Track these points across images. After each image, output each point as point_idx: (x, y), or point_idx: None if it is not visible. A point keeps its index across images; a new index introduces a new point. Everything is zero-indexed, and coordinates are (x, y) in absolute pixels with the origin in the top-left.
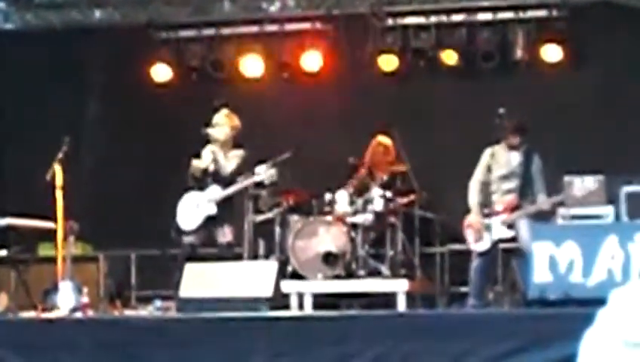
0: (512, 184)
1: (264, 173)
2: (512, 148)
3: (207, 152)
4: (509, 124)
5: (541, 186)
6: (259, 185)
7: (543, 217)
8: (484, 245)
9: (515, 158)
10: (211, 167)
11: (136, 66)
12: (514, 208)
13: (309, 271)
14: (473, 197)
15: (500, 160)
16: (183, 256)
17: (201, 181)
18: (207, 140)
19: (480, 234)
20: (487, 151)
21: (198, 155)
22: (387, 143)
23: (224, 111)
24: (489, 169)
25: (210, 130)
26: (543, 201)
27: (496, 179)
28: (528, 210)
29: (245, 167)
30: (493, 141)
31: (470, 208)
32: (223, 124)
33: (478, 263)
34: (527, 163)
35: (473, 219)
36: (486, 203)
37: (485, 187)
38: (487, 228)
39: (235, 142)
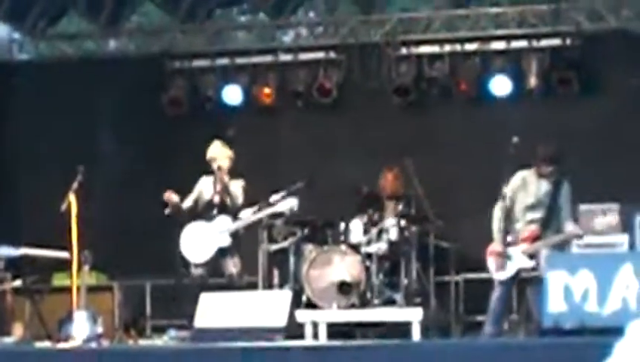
0: (538, 214)
1: (285, 203)
2: (542, 176)
3: (206, 184)
4: (542, 151)
5: (568, 214)
6: (277, 214)
7: (561, 245)
8: (505, 274)
9: (544, 187)
10: (216, 199)
11: (150, 96)
12: (536, 238)
13: (323, 300)
14: (496, 224)
15: (529, 188)
16: (196, 287)
17: (207, 212)
18: (203, 171)
19: (502, 263)
20: (518, 176)
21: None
22: (398, 173)
23: (218, 143)
24: (515, 195)
25: (212, 164)
26: (568, 232)
27: (522, 207)
28: (551, 240)
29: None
30: (505, 169)
31: (493, 235)
32: (221, 155)
33: (499, 292)
34: (555, 192)
35: (495, 247)
36: (509, 230)
37: (510, 214)
38: (509, 257)
39: (233, 172)
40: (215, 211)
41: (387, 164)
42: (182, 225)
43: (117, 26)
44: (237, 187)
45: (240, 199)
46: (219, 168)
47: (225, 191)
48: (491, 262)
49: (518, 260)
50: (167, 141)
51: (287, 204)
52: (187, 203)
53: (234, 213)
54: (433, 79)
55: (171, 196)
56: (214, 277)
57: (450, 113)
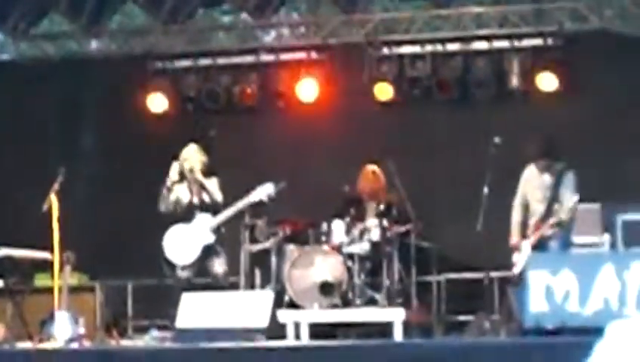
0: (544, 206)
1: (262, 190)
2: (543, 170)
3: (182, 190)
4: (530, 147)
5: (566, 202)
6: (257, 204)
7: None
8: (518, 268)
9: (547, 180)
10: (195, 200)
11: (133, 96)
12: (537, 230)
13: (305, 300)
14: (512, 218)
15: (535, 181)
16: (179, 287)
17: (189, 214)
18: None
19: (517, 256)
20: (526, 170)
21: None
22: (376, 171)
23: (193, 146)
24: (525, 189)
25: (184, 164)
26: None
27: (533, 200)
28: (550, 223)
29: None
30: (487, 169)
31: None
32: (194, 158)
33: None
34: (557, 184)
35: (510, 240)
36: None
37: (528, 208)
38: (520, 250)
39: (206, 172)
40: (197, 212)
41: (367, 164)
42: (165, 226)
43: (99, 26)
44: (213, 184)
45: (219, 196)
46: (190, 170)
47: (202, 189)
48: (514, 257)
49: (525, 253)
50: (150, 141)
51: (263, 191)
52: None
53: (214, 210)
54: (415, 79)
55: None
56: (200, 277)
57: (432, 113)
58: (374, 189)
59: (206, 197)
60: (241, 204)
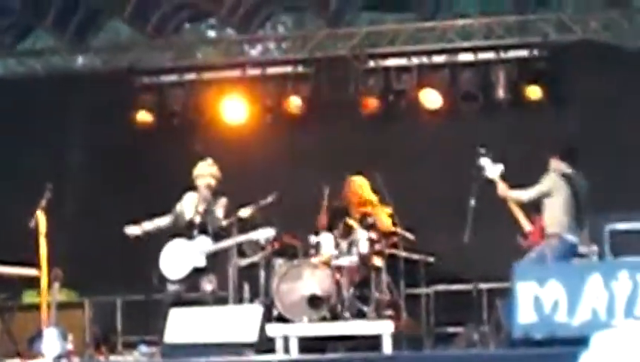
0: None
1: (263, 232)
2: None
3: (189, 202)
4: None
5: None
6: (253, 242)
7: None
8: None
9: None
10: (197, 219)
11: (118, 111)
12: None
13: (294, 314)
14: None
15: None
16: (168, 302)
17: (188, 231)
18: (189, 187)
19: None
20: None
21: (180, 200)
22: (362, 182)
23: (208, 161)
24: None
25: (197, 181)
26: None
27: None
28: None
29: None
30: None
31: None
32: (206, 174)
33: None
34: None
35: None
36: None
37: None
38: None
39: (216, 192)
40: (196, 231)
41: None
42: (153, 242)
43: (84, 41)
44: (219, 207)
45: (222, 220)
46: (206, 186)
47: (207, 212)
48: None
49: None
50: (136, 156)
51: (264, 233)
52: (165, 220)
53: (214, 233)
54: (401, 92)
55: (131, 232)
56: (189, 292)
57: (418, 125)
58: (360, 201)
59: (208, 220)
60: (239, 239)
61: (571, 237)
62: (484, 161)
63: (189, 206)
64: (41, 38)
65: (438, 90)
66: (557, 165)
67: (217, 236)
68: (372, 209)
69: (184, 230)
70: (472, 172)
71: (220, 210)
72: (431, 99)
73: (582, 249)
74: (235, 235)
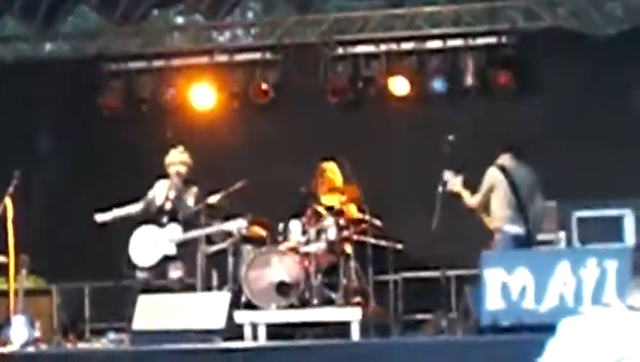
0: None
1: (235, 223)
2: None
3: (160, 189)
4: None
5: None
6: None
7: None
8: None
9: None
10: (167, 206)
11: (87, 98)
12: None
13: (262, 301)
14: None
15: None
16: (136, 289)
17: (158, 218)
18: (160, 175)
19: None
20: None
21: (149, 187)
22: (332, 168)
23: (179, 149)
24: None
25: (168, 169)
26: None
27: None
28: None
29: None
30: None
31: None
32: (177, 162)
33: None
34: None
35: None
36: None
37: None
38: None
39: (187, 180)
40: (166, 218)
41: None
42: (122, 229)
43: (52, 28)
44: (190, 195)
45: (192, 208)
46: (177, 173)
47: (178, 199)
48: None
49: None
50: (105, 143)
51: (236, 224)
52: (136, 207)
53: (184, 221)
54: (370, 78)
55: (101, 219)
56: (157, 279)
57: (386, 112)
58: (330, 187)
59: (179, 207)
60: (210, 230)
61: (513, 228)
62: (447, 175)
63: (160, 193)
64: (8, 25)
65: (407, 77)
66: (502, 159)
67: (187, 224)
68: (341, 195)
69: (154, 217)
70: (440, 158)
71: (190, 199)
72: (399, 86)
73: (547, 236)
74: (203, 222)
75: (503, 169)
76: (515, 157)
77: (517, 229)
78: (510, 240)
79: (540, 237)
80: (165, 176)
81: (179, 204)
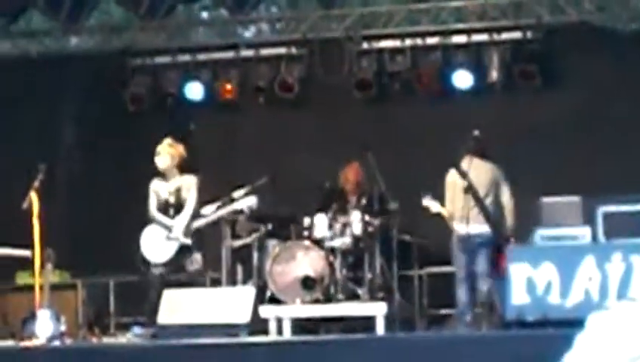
0: None
1: (244, 201)
2: None
3: (158, 185)
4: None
5: None
6: (237, 212)
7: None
8: None
9: None
10: (172, 199)
11: (112, 93)
12: None
13: (287, 295)
14: None
15: None
16: (155, 285)
17: (164, 213)
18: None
19: None
20: None
21: None
22: (358, 164)
23: (167, 141)
24: None
25: (156, 160)
26: None
27: None
28: None
29: (201, 192)
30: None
31: None
32: (164, 153)
33: None
34: None
35: None
36: None
37: None
38: None
39: (182, 169)
40: (172, 211)
41: (349, 159)
42: (145, 223)
43: (78, 23)
44: (190, 183)
45: (192, 197)
46: (161, 163)
47: (179, 191)
48: None
49: None
50: (130, 138)
51: (246, 202)
52: (153, 209)
53: (193, 213)
54: (395, 73)
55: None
56: (175, 273)
57: (411, 107)
58: (357, 183)
59: (182, 196)
60: (221, 212)
61: (460, 229)
62: (425, 202)
63: (160, 188)
64: (34, 19)
65: (432, 72)
66: (463, 160)
67: (194, 214)
68: (367, 191)
69: (161, 212)
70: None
71: (193, 190)
72: (425, 81)
73: (572, 231)
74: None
75: (459, 170)
76: (476, 156)
77: (464, 229)
78: (457, 240)
79: (565, 232)
80: (165, 175)
81: (181, 194)
